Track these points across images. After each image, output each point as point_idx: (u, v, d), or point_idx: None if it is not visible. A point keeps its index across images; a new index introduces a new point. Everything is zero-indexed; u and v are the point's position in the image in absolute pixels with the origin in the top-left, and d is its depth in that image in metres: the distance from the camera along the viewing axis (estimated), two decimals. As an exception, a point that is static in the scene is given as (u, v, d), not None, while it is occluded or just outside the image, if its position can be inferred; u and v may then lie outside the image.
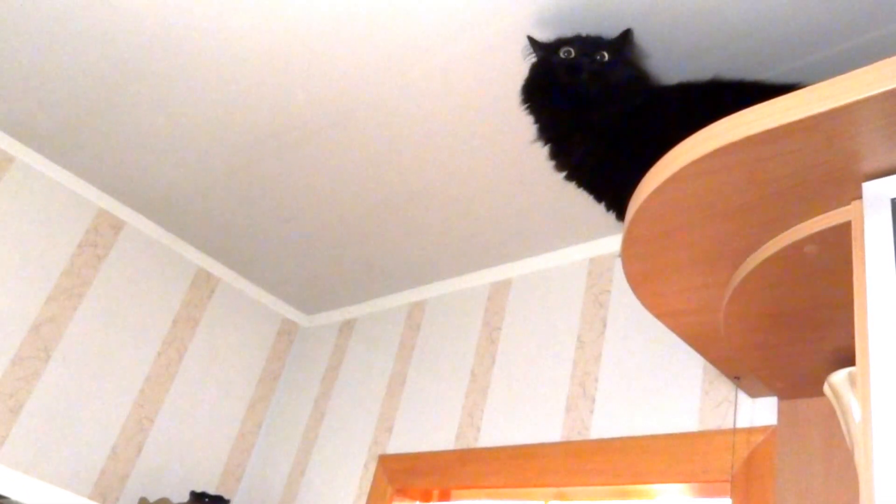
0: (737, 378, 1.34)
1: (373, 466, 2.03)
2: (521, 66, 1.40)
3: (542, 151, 1.36)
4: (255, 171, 1.97)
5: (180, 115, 1.85)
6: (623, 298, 1.74)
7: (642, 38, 1.36)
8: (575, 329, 1.80)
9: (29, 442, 1.98)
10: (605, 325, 1.74)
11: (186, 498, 2.19)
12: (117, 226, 2.26)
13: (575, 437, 1.65)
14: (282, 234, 2.21)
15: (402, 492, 1.93)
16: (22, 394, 1.99)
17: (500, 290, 2.04)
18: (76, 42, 1.69)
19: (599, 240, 1.87)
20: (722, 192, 0.96)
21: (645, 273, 1.15)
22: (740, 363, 1.28)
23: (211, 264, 2.44)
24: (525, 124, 1.42)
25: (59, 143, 2.06)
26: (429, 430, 1.96)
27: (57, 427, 2.04)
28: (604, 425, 1.62)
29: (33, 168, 2.12)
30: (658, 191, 0.99)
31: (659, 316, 1.23)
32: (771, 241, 1.01)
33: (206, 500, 1.98)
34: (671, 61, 1.40)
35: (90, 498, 2.02)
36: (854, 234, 0.88)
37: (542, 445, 1.70)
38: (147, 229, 2.31)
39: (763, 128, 0.85)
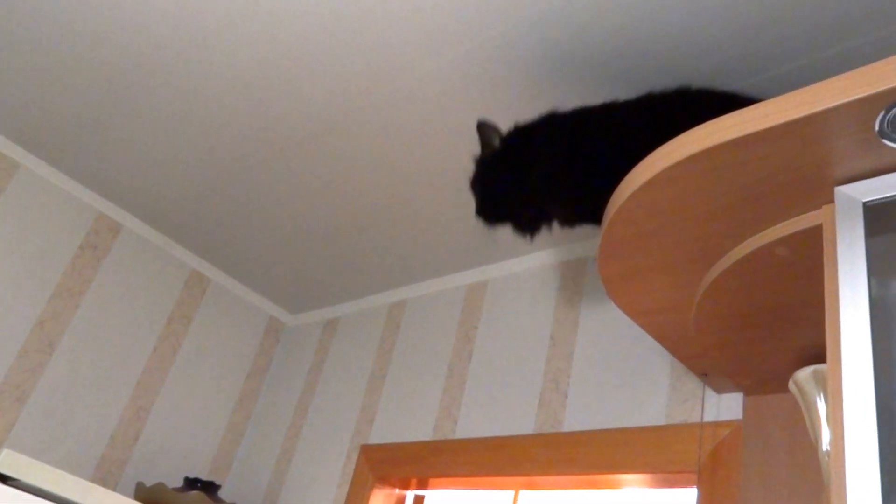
0: (704, 374, 1.30)
1: (355, 455, 1.97)
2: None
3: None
4: (246, 178, 1.92)
5: (174, 125, 1.80)
6: (594, 299, 1.70)
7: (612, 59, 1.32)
8: (548, 328, 1.75)
9: (34, 429, 1.95)
10: (577, 325, 1.70)
11: (181, 483, 2.13)
12: (115, 229, 2.21)
13: (547, 429, 1.60)
14: (269, 237, 2.16)
15: (382, 480, 1.88)
16: (27, 385, 1.95)
17: (476, 291, 1.99)
18: (77, 53, 1.64)
19: (571, 244, 1.83)
20: (696, 196, 0.92)
21: (620, 274, 1.10)
22: (708, 360, 1.24)
23: (203, 266, 2.39)
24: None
25: (62, 151, 2.02)
26: (408, 422, 1.91)
27: (60, 416, 2.00)
28: (575, 419, 1.57)
29: (37, 174, 2.08)
30: (634, 195, 0.95)
31: (631, 315, 1.18)
32: (743, 244, 0.97)
33: (199, 485, 1.91)
34: (642, 79, 1.36)
35: (91, 482, 1.98)
36: (826, 236, 0.83)
37: (516, 437, 1.65)
38: (143, 232, 2.26)
39: (738, 134, 0.81)
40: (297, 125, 1.69)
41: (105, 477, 2.05)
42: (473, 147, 1.40)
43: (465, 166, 1.65)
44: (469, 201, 1.54)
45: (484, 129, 1.35)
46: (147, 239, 2.28)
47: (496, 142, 1.34)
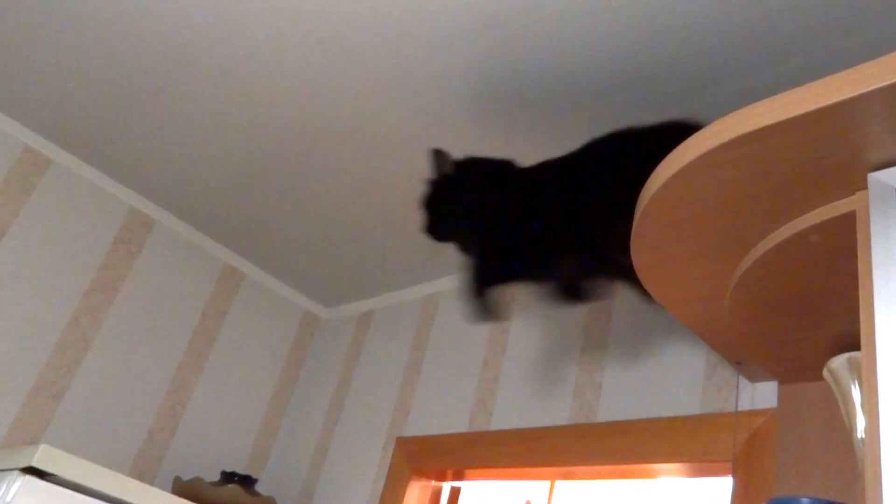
0: (738, 363, 1.30)
1: (391, 448, 1.99)
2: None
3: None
4: (279, 172, 1.95)
5: (208, 120, 1.82)
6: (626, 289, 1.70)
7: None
8: (581, 320, 1.76)
9: (71, 425, 1.98)
10: (610, 316, 1.70)
11: (218, 477, 2.17)
12: (148, 224, 2.25)
13: (582, 420, 1.61)
14: (304, 231, 2.18)
15: (418, 472, 1.89)
16: (63, 381, 1.99)
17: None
18: (107, 47, 1.67)
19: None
20: (729, 185, 0.92)
21: (653, 263, 1.11)
22: (742, 349, 1.23)
23: (237, 260, 2.42)
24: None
25: (94, 146, 2.05)
26: (443, 414, 1.93)
27: (96, 411, 2.03)
28: (610, 409, 1.57)
29: (69, 170, 2.11)
30: (667, 185, 0.95)
31: (665, 304, 1.18)
32: (776, 231, 0.97)
33: (236, 478, 1.95)
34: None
35: (128, 476, 2.01)
36: (859, 223, 0.83)
37: (551, 428, 1.66)
38: (176, 227, 2.29)
39: (771, 121, 0.81)
40: (331, 118, 1.71)
41: (142, 472, 2.08)
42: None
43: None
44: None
45: (438, 155, 1.46)
46: (180, 233, 2.30)
47: (448, 168, 1.45)
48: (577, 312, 1.77)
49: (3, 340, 1.92)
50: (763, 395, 1.33)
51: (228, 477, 1.95)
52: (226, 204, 2.15)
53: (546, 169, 1.40)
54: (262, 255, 2.39)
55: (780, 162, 0.86)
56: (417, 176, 1.80)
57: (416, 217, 1.96)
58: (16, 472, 1.22)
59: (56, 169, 2.09)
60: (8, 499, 1.20)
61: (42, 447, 1.25)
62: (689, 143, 0.90)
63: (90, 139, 2.02)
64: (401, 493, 1.87)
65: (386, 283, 2.33)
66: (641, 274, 1.13)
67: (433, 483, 1.91)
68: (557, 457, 1.62)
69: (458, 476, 1.90)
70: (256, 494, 1.93)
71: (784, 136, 0.82)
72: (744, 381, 1.37)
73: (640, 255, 1.09)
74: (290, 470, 2.27)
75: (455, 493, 1.92)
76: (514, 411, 1.76)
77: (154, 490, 1.42)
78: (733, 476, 1.30)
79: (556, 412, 1.67)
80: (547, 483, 1.78)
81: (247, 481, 1.95)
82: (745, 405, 1.34)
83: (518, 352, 1.86)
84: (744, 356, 1.26)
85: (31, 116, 1.98)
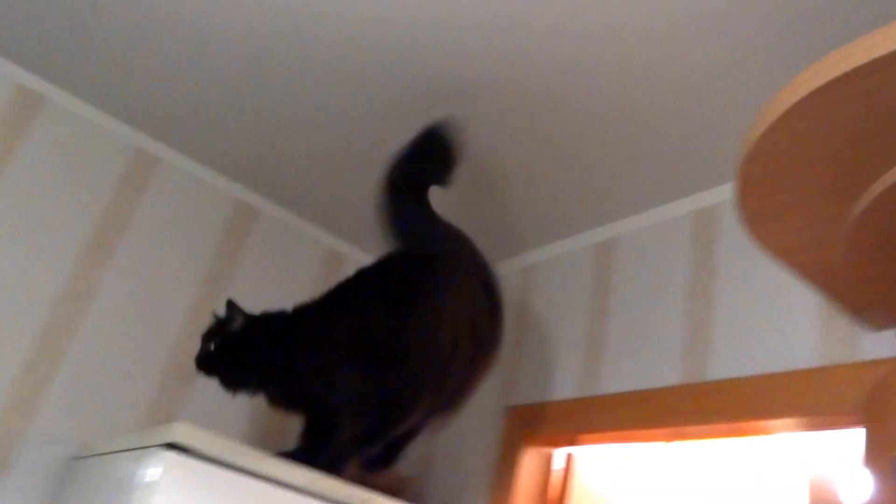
0: (857, 312, 1.26)
1: (502, 418, 2.01)
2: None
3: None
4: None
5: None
6: (732, 244, 1.66)
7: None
8: (685, 277, 1.73)
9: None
10: (714, 272, 1.66)
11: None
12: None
13: (694, 379, 1.59)
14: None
15: (531, 440, 1.91)
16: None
17: (605, 250, 1.99)
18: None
19: (702, 193, 1.79)
20: (839, 125, 0.89)
21: (760, 213, 1.08)
22: (860, 296, 1.20)
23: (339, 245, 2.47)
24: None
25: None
26: (552, 380, 1.94)
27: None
28: (722, 367, 1.55)
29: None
30: (771, 129, 0.93)
31: (776, 255, 1.16)
32: (892, 170, 0.94)
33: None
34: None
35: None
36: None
37: (662, 389, 1.65)
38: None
39: (883, 52, 0.78)
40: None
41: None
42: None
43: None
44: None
45: (231, 308, 1.57)
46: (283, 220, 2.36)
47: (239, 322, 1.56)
48: (679, 271, 1.74)
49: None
50: (888, 342, 1.29)
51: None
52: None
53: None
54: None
55: (892, 97, 0.83)
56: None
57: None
58: (158, 448, 1.31)
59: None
60: (154, 473, 1.29)
61: (179, 423, 1.31)
62: (791, 85, 0.88)
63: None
64: (516, 462, 1.89)
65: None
66: (748, 225, 1.11)
67: (546, 450, 1.93)
68: (670, 418, 1.61)
69: (571, 442, 1.91)
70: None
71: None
72: (864, 330, 1.32)
73: (746, 204, 1.08)
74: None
75: (569, 459, 1.94)
76: (624, 373, 1.76)
77: (285, 464, 1.48)
78: (866, 427, 1.26)
79: (667, 373, 1.65)
80: (660, 444, 1.78)
81: (365, 455, 2.01)
82: (867, 354, 1.30)
83: (622, 313, 1.85)
84: (862, 304, 1.22)
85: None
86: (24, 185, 1.93)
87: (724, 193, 1.74)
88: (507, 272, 2.29)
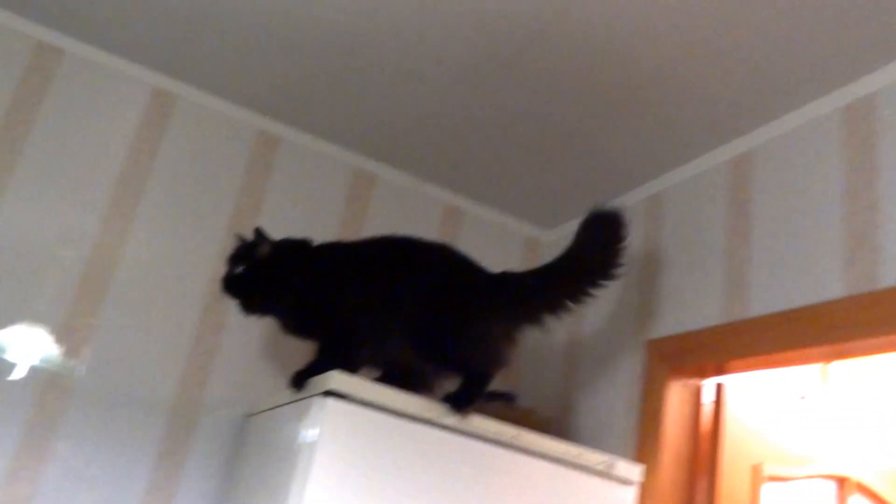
0: None
1: (642, 352, 1.97)
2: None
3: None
4: (476, 82, 1.88)
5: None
6: (892, 137, 1.53)
7: None
8: (841, 178, 1.61)
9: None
10: (875, 168, 1.53)
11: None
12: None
13: (860, 289, 1.48)
14: (509, 151, 2.14)
15: (676, 372, 1.85)
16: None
17: (743, 163, 1.88)
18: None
19: (851, 84, 1.64)
20: None
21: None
22: None
23: (458, 200, 2.46)
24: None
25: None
26: (694, 308, 1.86)
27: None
28: (892, 274, 1.44)
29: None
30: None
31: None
32: None
33: (498, 396, 1.99)
34: None
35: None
36: None
37: (820, 304, 1.55)
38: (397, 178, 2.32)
39: None
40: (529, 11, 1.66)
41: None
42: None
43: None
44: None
45: (258, 235, 1.66)
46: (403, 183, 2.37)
47: (266, 249, 1.65)
48: (834, 174, 1.61)
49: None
50: None
51: (491, 397, 2.01)
52: (443, 139, 2.16)
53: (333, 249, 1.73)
54: (478, 187, 2.40)
55: None
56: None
57: (633, 110, 1.88)
58: (318, 397, 1.38)
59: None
60: (318, 419, 1.36)
61: (335, 373, 1.40)
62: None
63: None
64: (662, 395, 1.84)
65: (607, 194, 2.27)
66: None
67: (694, 382, 1.87)
68: (830, 334, 1.52)
69: (720, 371, 1.84)
70: (519, 408, 1.99)
71: None
72: None
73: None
74: (543, 383, 2.32)
75: (720, 389, 1.87)
76: (775, 292, 1.67)
77: (433, 405, 1.53)
78: None
79: (827, 285, 1.55)
80: (818, 366, 1.69)
81: (506, 397, 2.01)
82: None
83: (765, 229, 1.75)
84: None
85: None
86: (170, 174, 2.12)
87: (881, 79, 1.58)
88: (634, 202, 2.22)
